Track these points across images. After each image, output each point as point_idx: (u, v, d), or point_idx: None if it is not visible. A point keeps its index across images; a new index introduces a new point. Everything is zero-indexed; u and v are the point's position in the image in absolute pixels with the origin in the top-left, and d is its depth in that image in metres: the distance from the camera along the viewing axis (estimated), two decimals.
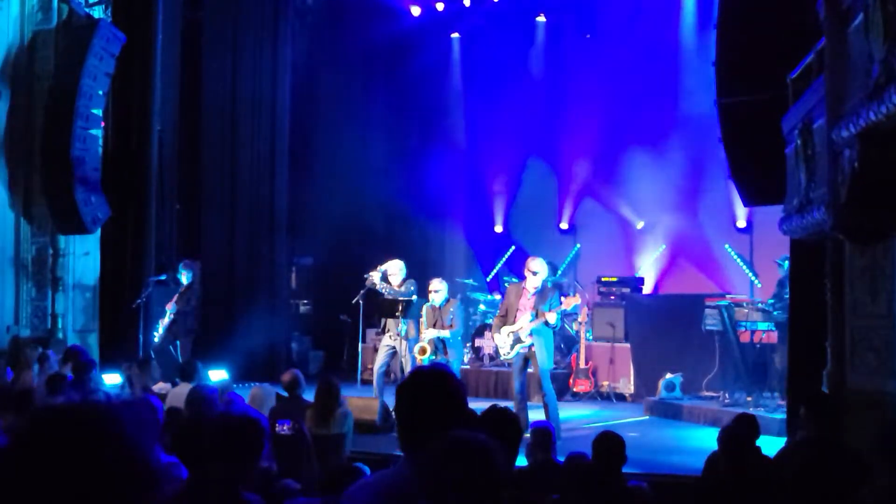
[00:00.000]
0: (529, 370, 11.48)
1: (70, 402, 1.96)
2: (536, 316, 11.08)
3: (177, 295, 14.51)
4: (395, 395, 3.51)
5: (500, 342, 11.44)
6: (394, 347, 12.38)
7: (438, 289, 12.35)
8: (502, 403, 13.68)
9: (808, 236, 8.48)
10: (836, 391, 8.14)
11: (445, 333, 12.13)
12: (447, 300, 12.42)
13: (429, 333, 12.12)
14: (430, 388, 3.25)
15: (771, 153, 9.24)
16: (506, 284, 17.15)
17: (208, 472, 4.00)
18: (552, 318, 11.06)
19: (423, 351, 12.00)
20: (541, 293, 11.27)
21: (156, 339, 14.32)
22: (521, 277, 14.96)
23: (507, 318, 11.42)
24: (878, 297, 7.84)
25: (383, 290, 12.63)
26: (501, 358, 12.05)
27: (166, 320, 14.41)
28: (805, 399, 7.16)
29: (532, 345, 11.12)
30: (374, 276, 12.69)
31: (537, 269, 11.32)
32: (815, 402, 7.00)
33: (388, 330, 12.53)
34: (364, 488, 3.21)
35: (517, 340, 11.20)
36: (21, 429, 1.94)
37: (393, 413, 11.62)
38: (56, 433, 1.89)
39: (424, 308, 12.45)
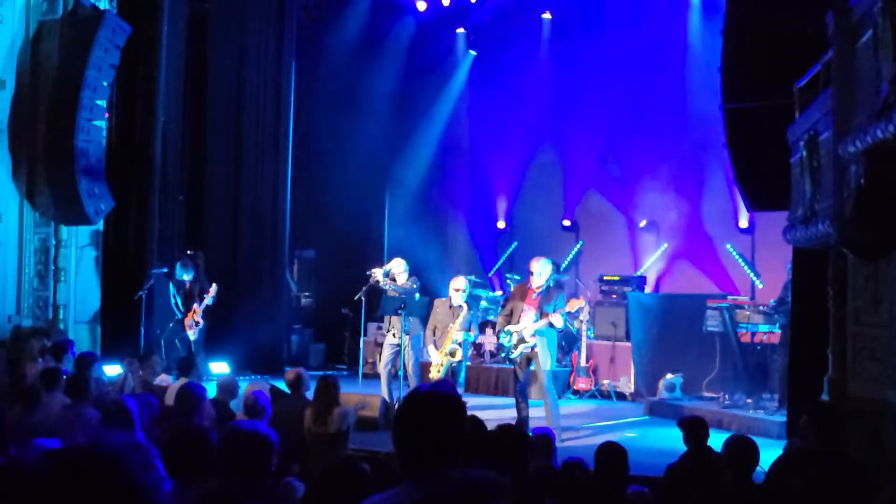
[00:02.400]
0: (531, 369, 11.52)
1: (75, 451, 1.97)
2: (541, 317, 11.14)
3: (197, 301, 14.38)
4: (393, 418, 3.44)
5: (505, 341, 11.46)
6: (398, 345, 12.37)
7: (462, 287, 12.30)
8: (502, 400, 13.89)
9: (813, 246, 8.49)
10: (837, 399, 8.17)
11: (471, 334, 12.23)
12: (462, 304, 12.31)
13: (459, 336, 12.07)
14: (429, 414, 3.20)
15: (776, 160, 9.23)
16: (508, 282, 17.19)
17: (215, 490, 4.01)
18: (557, 321, 11.15)
19: (453, 354, 12.00)
20: (545, 293, 11.31)
21: (192, 335, 14.26)
22: (524, 274, 15.04)
23: (511, 318, 11.44)
24: (881, 306, 7.87)
25: (386, 287, 12.63)
26: (509, 357, 11.99)
27: (199, 319, 14.30)
28: (808, 409, 7.16)
29: (535, 345, 11.17)
30: (377, 273, 12.69)
31: (540, 270, 11.34)
32: (818, 413, 7.01)
33: (392, 328, 12.53)
34: None
35: (521, 340, 11.22)
36: (30, 475, 1.96)
37: (393, 410, 11.67)
38: (65, 481, 1.91)
39: (440, 305, 12.40)
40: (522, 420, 11.34)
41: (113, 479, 1.93)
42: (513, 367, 11.81)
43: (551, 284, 11.68)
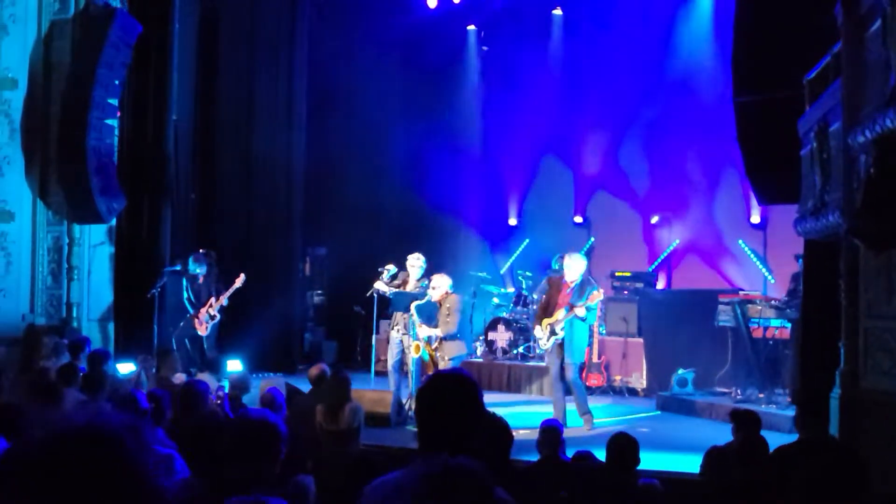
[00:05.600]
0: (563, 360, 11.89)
1: (72, 430, 1.97)
2: (569, 310, 11.58)
3: (214, 293, 14.51)
4: (415, 398, 3.56)
5: (539, 333, 12.00)
6: (401, 342, 12.40)
7: (436, 285, 12.15)
8: (513, 397, 13.95)
9: (823, 238, 8.47)
10: (850, 392, 8.15)
11: (437, 332, 11.95)
12: (446, 293, 12.17)
13: (422, 332, 12.03)
14: (449, 393, 3.30)
15: (787, 153, 9.23)
16: (519, 278, 17.18)
17: (224, 477, 4.03)
18: (581, 312, 11.56)
19: (416, 349, 11.99)
20: (578, 288, 11.77)
21: (203, 330, 14.41)
22: (535, 271, 15.34)
23: (547, 310, 11.92)
24: (893, 298, 7.84)
25: (387, 293, 12.71)
26: (539, 348, 12.59)
27: (216, 313, 14.45)
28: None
29: (564, 338, 11.67)
30: (380, 285, 12.75)
31: (571, 265, 11.86)
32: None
33: (397, 324, 12.55)
34: (381, 486, 3.24)
35: (553, 332, 11.72)
36: (24, 455, 1.95)
37: (406, 407, 11.70)
38: (61, 459, 1.91)
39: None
40: (559, 411, 11.73)
41: (110, 457, 1.93)
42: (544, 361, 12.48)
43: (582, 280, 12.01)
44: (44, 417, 7.04)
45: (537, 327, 12.05)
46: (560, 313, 11.67)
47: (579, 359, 11.99)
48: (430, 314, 12.40)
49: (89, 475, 1.89)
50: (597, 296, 11.70)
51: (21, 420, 7.54)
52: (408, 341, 12.22)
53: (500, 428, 5.10)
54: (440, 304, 12.06)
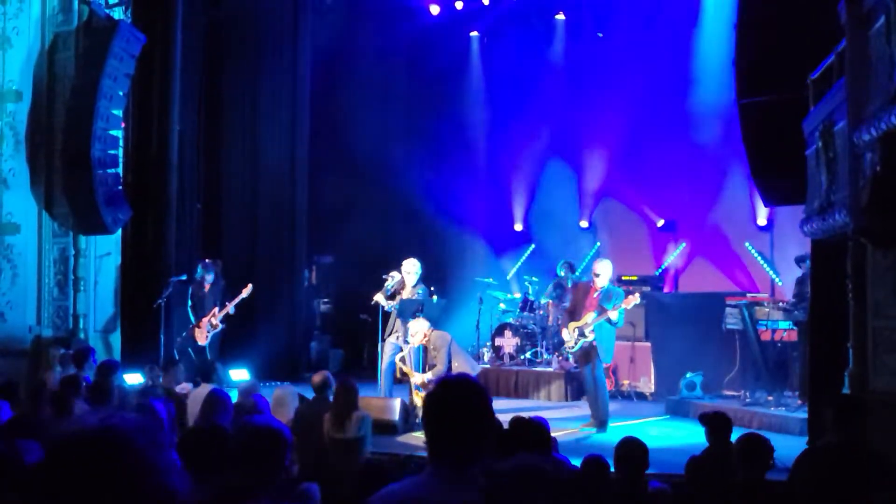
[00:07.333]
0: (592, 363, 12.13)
1: (86, 430, 1.98)
2: (600, 313, 11.77)
3: (218, 303, 14.49)
4: (422, 405, 3.51)
5: (567, 337, 12.20)
6: (399, 347, 12.34)
7: (414, 332, 11.88)
8: (521, 403, 13.94)
9: (830, 237, 8.43)
10: (859, 392, 8.10)
11: (429, 376, 11.67)
12: (425, 336, 11.84)
13: (417, 379, 11.84)
14: (457, 399, 3.25)
15: (792, 154, 9.20)
16: (526, 284, 17.15)
17: (228, 483, 4.01)
18: (614, 315, 11.75)
19: (419, 397, 11.82)
20: (605, 293, 11.96)
21: (203, 340, 14.38)
22: (542, 277, 15.45)
23: (574, 314, 12.17)
24: None
25: (391, 310, 12.69)
26: (566, 350, 12.80)
27: (218, 322, 14.43)
28: (833, 403, 7.08)
29: (594, 340, 11.88)
30: (381, 299, 12.71)
31: (600, 272, 11.99)
32: (844, 406, 6.92)
33: (396, 331, 12.52)
34: (390, 495, 3.21)
35: (581, 335, 11.95)
36: (42, 456, 1.97)
37: (413, 414, 11.65)
38: (74, 463, 1.92)
39: (407, 350, 12.19)
40: (599, 412, 12.06)
41: (123, 457, 1.94)
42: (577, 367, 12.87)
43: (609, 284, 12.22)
44: (47, 427, 7.06)
45: (564, 331, 12.29)
46: (590, 316, 11.85)
47: (606, 360, 12.26)
48: (419, 360, 12.30)
49: (101, 475, 1.91)
50: (632, 300, 11.88)
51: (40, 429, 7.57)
52: (407, 348, 12.14)
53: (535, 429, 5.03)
54: (426, 347, 11.95)
